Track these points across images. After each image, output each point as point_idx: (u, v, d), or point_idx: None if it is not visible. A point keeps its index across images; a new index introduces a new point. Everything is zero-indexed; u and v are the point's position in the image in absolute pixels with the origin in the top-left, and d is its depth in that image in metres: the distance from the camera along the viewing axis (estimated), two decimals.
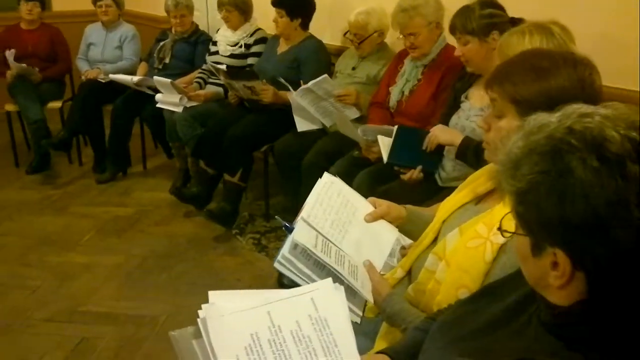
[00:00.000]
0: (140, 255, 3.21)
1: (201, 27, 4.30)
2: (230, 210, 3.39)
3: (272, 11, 3.46)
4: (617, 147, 0.75)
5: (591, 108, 0.82)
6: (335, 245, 1.42)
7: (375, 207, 1.57)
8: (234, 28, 3.79)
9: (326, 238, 1.41)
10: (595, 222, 0.74)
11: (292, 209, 2.67)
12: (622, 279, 0.77)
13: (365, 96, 3.10)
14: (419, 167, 2.42)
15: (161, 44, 4.15)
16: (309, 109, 3.12)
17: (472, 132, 2.25)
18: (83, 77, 4.32)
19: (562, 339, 0.83)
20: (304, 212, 1.42)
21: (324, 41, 3.56)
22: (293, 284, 1.25)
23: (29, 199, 3.90)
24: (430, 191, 2.37)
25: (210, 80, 3.92)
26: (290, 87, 3.16)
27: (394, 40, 3.26)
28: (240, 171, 3.37)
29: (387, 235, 1.54)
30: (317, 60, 3.42)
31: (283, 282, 2.69)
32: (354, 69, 3.25)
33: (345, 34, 3.27)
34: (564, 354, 0.82)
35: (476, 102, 2.31)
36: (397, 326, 1.38)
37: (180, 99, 3.69)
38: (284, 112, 3.28)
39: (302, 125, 3.24)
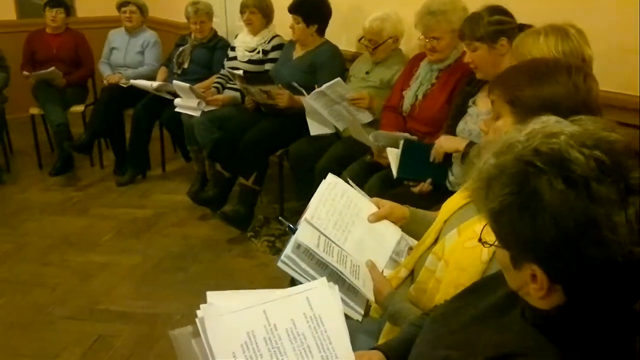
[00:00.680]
0: (157, 255, 3.28)
1: (220, 33, 4.38)
2: (245, 213, 3.44)
3: (289, 18, 3.52)
4: (582, 168, 0.76)
5: (558, 126, 0.84)
6: (337, 245, 1.45)
7: (379, 208, 1.60)
8: (255, 32, 3.85)
9: (329, 238, 1.44)
10: (566, 243, 0.77)
11: None
12: (597, 289, 0.80)
13: (379, 100, 3.12)
14: (429, 180, 2.43)
15: (180, 49, 4.23)
16: (322, 112, 3.15)
17: (478, 136, 2.26)
18: (105, 82, 4.43)
19: (544, 334, 0.87)
20: (308, 213, 1.46)
21: (340, 47, 3.60)
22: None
23: (52, 200, 4.01)
24: (440, 195, 2.38)
25: (228, 85, 3.99)
26: (304, 92, 3.20)
27: (408, 46, 3.29)
28: (255, 175, 3.41)
29: (390, 235, 1.57)
30: (332, 65, 3.45)
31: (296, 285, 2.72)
32: (367, 73, 3.28)
33: (360, 39, 3.30)
34: (545, 348, 0.85)
35: (483, 107, 2.33)
36: (399, 325, 1.40)
37: (198, 103, 3.76)
38: (299, 117, 3.32)
39: (315, 128, 3.28)
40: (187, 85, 3.75)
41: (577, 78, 1.20)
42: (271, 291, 1.14)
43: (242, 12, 3.86)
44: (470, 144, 2.25)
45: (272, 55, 3.81)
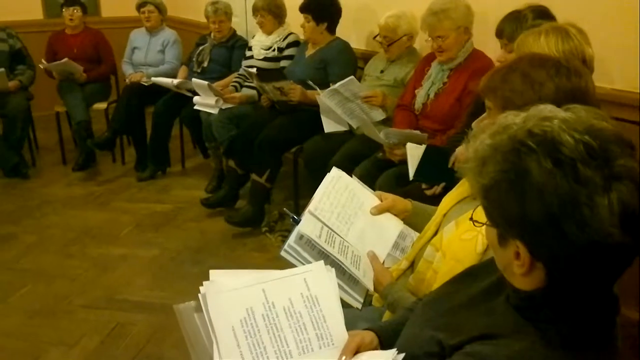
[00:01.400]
0: (174, 249, 3.37)
1: (240, 33, 4.45)
2: (254, 212, 3.50)
3: (301, 17, 3.58)
4: (570, 150, 0.80)
5: (553, 111, 0.88)
6: (340, 236, 1.50)
7: (382, 201, 1.64)
8: (268, 32, 3.93)
9: (332, 229, 1.50)
10: (549, 220, 0.81)
11: None
12: (576, 270, 0.84)
13: (392, 98, 3.16)
14: (442, 184, 2.44)
15: (200, 48, 4.32)
16: (336, 110, 3.19)
17: None
18: (127, 80, 4.53)
19: (526, 318, 0.91)
20: (311, 205, 1.52)
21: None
22: None
23: (74, 194, 4.13)
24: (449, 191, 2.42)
25: (246, 84, 4.07)
26: (318, 90, 3.25)
27: (422, 44, 3.32)
28: (268, 172, 3.47)
29: (391, 228, 1.62)
30: (343, 60, 3.51)
31: None
32: (382, 71, 3.32)
33: (375, 37, 3.34)
34: (526, 331, 0.89)
35: None
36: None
37: (217, 101, 3.84)
38: (313, 114, 3.38)
39: (329, 126, 3.33)
40: (206, 82, 3.83)
41: (577, 82, 1.21)
42: (271, 272, 1.20)
43: (254, 15, 3.95)
44: None
45: (287, 52, 3.87)
